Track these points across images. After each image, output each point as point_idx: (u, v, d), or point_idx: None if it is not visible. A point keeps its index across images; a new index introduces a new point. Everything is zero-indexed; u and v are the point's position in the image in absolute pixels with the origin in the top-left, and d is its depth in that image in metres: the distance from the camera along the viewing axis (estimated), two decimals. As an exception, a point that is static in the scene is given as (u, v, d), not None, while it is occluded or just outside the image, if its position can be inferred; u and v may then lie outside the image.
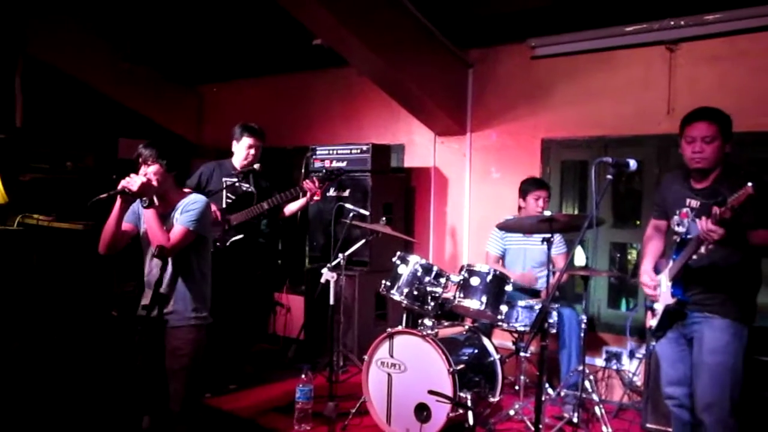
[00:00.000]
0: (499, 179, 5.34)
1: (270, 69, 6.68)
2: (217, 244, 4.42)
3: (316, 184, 4.45)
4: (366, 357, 3.90)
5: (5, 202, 5.87)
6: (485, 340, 4.09)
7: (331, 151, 5.47)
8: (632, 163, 2.93)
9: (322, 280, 4.18)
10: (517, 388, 4.16)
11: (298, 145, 6.31)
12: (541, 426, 2.96)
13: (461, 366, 3.68)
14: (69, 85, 6.42)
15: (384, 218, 4.83)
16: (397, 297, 4.04)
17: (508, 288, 3.99)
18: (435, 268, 4.07)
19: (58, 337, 5.33)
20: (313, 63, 6.15)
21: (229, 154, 4.70)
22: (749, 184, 2.50)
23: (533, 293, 4.48)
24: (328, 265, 4.22)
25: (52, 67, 6.27)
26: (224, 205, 4.52)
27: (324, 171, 4.73)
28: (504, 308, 4.00)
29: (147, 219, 2.94)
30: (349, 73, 5.85)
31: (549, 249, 3.77)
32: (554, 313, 4.04)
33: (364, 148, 5.29)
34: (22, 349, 5.06)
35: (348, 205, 4.91)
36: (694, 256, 2.93)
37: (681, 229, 3.07)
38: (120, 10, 6.09)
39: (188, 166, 3.41)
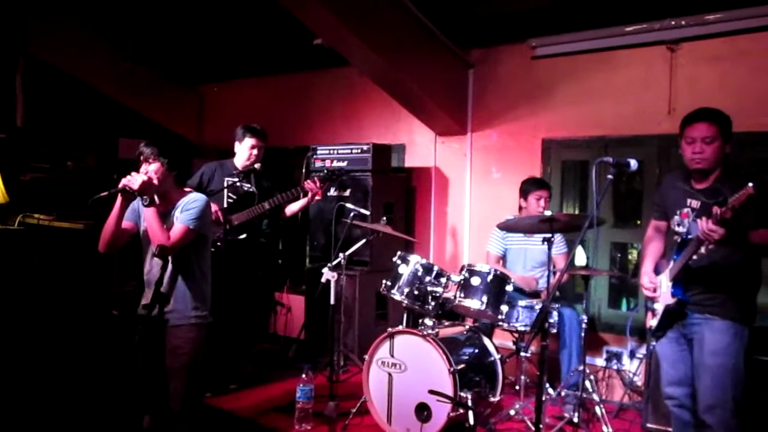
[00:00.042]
0: (499, 179, 5.34)
1: (271, 69, 6.68)
2: (218, 244, 4.43)
3: (318, 184, 4.45)
4: (366, 357, 3.91)
5: (6, 201, 5.87)
6: (486, 340, 4.09)
7: (331, 151, 5.47)
8: (633, 163, 2.93)
9: (323, 280, 4.19)
10: (517, 387, 4.16)
11: (298, 145, 6.31)
12: (541, 426, 2.96)
13: (462, 366, 3.68)
14: (70, 84, 6.42)
15: (384, 218, 4.83)
16: (397, 297, 4.04)
17: (509, 288, 3.99)
18: (435, 268, 4.07)
19: (59, 336, 5.33)
20: (314, 63, 6.15)
21: (230, 154, 4.71)
22: (750, 184, 2.51)
23: (533, 294, 4.48)
24: (329, 264, 4.23)
25: (52, 66, 6.27)
26: (225, 205, 4.53)
27: (325, 171, 4.73)
28: (504, 308, 4.01)
29: (147, 217, 2.95)
30: (349, 72, 5.85)
31: (549, 249, 3.77)
32: (555, 313, 4.04)
33: (365, 147, 5.29)
34: (23, 349, 5.06)
35: (349, 205, 4.91)
36: (695, 257, 2.93)
37: (681, 230, 3.07)
38: (121, 10, 6.09)
39: (189, 166, 3.41)
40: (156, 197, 2.95)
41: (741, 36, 4.20)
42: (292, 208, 4.70)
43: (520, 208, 4.61)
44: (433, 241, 5.72)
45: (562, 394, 4.16)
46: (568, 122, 4.98)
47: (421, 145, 5.84)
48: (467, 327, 4.23)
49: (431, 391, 3.42)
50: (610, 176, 2.93)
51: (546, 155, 5.12)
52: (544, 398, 3.32)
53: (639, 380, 4.40)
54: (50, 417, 4.08)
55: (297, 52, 6.07)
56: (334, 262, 4.26)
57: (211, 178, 4.56)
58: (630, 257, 5.20)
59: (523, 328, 4.04)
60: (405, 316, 4.21)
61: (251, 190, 4.59)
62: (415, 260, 4.07)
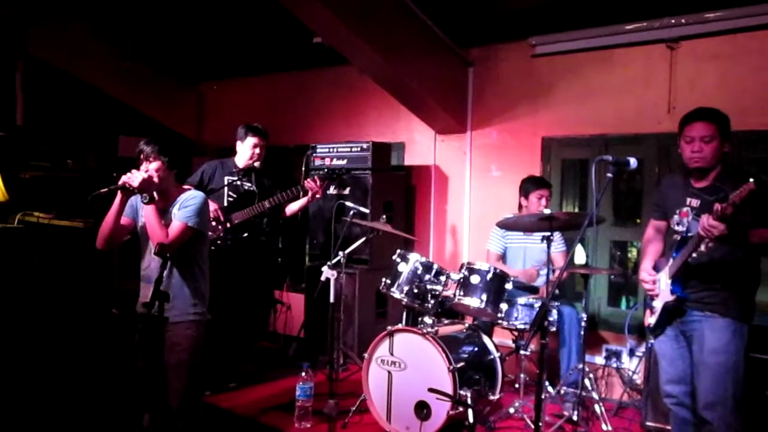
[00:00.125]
0: (499, 177, 5.34)
1: (270, 67, 6.68)
2: (219, 242, 4.43)
3: (318, 183, 4.45)
4: (366, 355, 3.91)
5: (6, 199, 5.87)
6: (485, 338, 4.09)
7: (331, 149, 5.47)
8: (632, 162, 2.93)
9: (323, 278, 4.18)
10: (517, 386, 4.16)
11: (298, 144, 6.32)
12: (541, 424, 2.96)
13: (461, 364, 3.68)
14: (69, 83, 6.43)
15: (384, 216, 4.84)
16: (397, 295, 4.04)
17: (509, 286, 3.99)
18: (435, 266, 4.07)
19: (59, 334, 5.33)
20: (314, 61, 6.15)
21: (230, 152, 4.71)
22: (750, 180, 2.52)
23: (533, 290, 4.49)
24: (329, 263, 4.22)
25: (52, 65, 6.27)
26: (226, 204, 4.53)
27: (325, 170, 4.73)
28: (504, 306, 4.01)
29: (146, 215, 2.95)
30: (349, 71, 5.84)
31: (549, 247, 3.77)
32: (554, 311, 4.04)
33: (365, 146, 5.29)
34: (23, 347, 5.06)
35: (348, 203, 4.91)
36: (694, 254, 2.94)
37: (681, 228, 3.07)
38: (120, 9, 6.09)
39: (189, 164, 3.43)
40: (155, 194, 2.95)
41: (741, 34, 4.20)
42: (292, 208, 4.70)
43: (520, 206, 4.61)
44: (432, 240, 5.72)
45: (562, 392, 4.16)
46: (567, 120, 4.98)
47: (420, 144, 5.84)
48: (467, 325, 4.24)
49: (431, 390, 3.42)
50: (609, 175, 2.92)
51: (546, 153, 5.12)
52: (543, 396, 3.32)
53: (638, 378, 4.41)
54: (51, 416, 4.08)
55: (297, 50, 6.07)
56: (334, 261, 4.25)
57: (211, 177, 4.57)
58: (629, 255, 5.21)
59: (522, 327, 4.05)
60: (404, 314, 4.21)
61: (251, 188, 4.59)
62: (414, 258, 4.07)
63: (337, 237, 4.71)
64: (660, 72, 4.53)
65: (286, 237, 6.36)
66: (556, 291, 3.92)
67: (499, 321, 4.08)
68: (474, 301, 3.91)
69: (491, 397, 3.94)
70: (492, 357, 4.01)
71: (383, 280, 4.13)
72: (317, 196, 4.52)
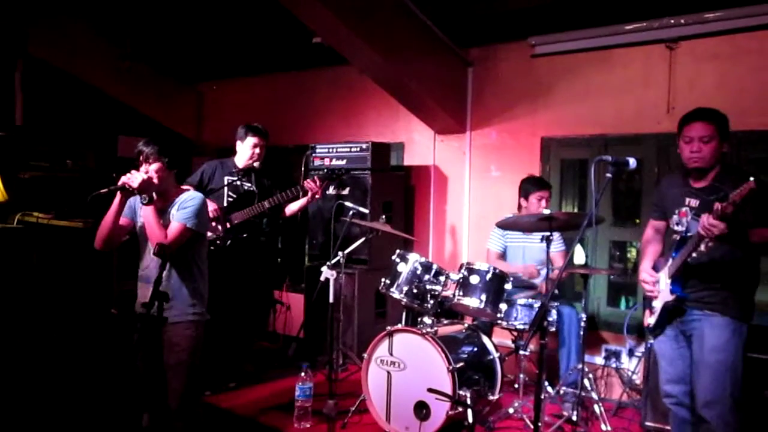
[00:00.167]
0: (498, 177, 5.34)
1: (270, 67, 6.68)
2: (218, 242, 4.43)
3: (317, 183, 4.45)
4: (365, 355, 3.91)
5: (5, 199, 5.87)
6: (485, 339, 4.09)
7: (330, 150, 5.46)
8: (632, 162, 2.93)
9: (322, 278, 4.18)
10: (516, 386, 4.16)
11: (298, 144, 6.31)
12: (540, 424, 2.96)
13: (461, 364, 3.68)
14: (69, 83, 6.42)
15: (383, 216, 4.84)
16: (396, 295, 4.04)
17: (508, 286, 3.99)
18: (434, 267, 4.07)
19: (58, 335, 5.33)
20: (313, 61, 6.15)
21: (229, 152, 4.71)
22: (751, 179, 2.52)
23: (532, 286, 4.49)
24: (328, 263, 4.22)
25: (51, 65, 6.27)
26: (225, 204, 4.53)
27: (325, 170, 4.73)
28: (503, 306, 4.01)
29: (145, 216, 2.95)
30: (348, 71, 5.84)
31: (548, 247, 3.77)
32: (553, 312, 4.04)
33: (364, 146, 5.29)
34: (22, 347, 5.06)
35: (348, 204, 4.90)
36: (694, 254, 2.94)
37: (680, 228, 3.08)
38: (120, 9, 6.09)
39: (188, 164, 3.43)
40: (154, 195, 2.95)
41: (740, 34, 4.20)
42: (291, 208, 4.71)
43: (520, 206, 4.61)
44: (432, 240, 5.72)
45: (561, 392, 4.16)
46: (567, 121, 4.98)
47: (420, 144, 5.84)
48: (466, 325, 4.24)
49: (430, 390, 3.42)
50: (608, 175, 2.93)
51: (545, 154, 5.12)
52: (543, 396, 3.33)
53: (638, 378, 4.41)
54: (50, 416, 4.08)
55: (296, 50, 6.07)
56: (333, 261, 4.25)
57: (211, 177, 4.57)
58: (629, 255, 5.21)
59: (522, 327, 4.05)
60: (404, 314, 4.21)
61: (251, 189, 4.59)
62: (414, 259, 4.07)
63: (336, 237, 4.71)
64: (659, 72, 4.53)
65: (286, 237, 6.36)
66: (556, 291, 3.92)
67: (499, 321, 4.08)
68: (473, 302, 3.91)
69: (490, 398, 3.94)
70: (491, 357, 4.01)
71: (383, 280, 4.13)
72: (317, 196, 4.52)
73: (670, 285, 3.02)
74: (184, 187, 3.21)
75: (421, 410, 3.62)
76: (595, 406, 4.04)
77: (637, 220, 4.86)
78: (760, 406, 3.49)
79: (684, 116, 3.06)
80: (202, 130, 7.61)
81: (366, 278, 5.09)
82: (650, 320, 3.16)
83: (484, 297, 3.89)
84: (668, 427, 3.52)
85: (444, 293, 4.04)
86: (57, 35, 6.28)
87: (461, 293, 3.96)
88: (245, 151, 4.59)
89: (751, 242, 2.85)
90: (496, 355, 4.00)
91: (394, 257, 4.15)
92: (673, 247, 3.08)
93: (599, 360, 4.68)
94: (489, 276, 3.93)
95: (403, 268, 4.05)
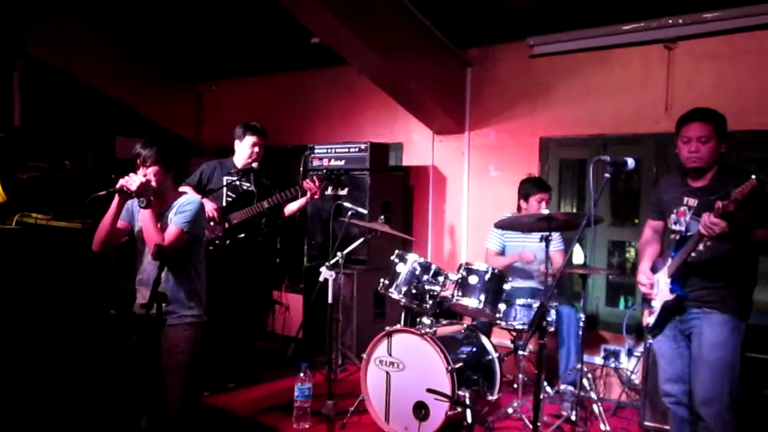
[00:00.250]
0: (497, 178, 5.34)
1: (268, 67, 6.67)
2: (217, 242, 4.43)
3: (316, 183, 4.45)
4: (364, 355, 3.91)
5: (4, 200, 5.87)
6: (483, 339, 4.09)
7: (329, 150, 5.46)
8: (630, 162, 2.93)
9: (321, 279, 4.18)
10: (515, 386, 4.16)
11: (296, 144, 6.31)
12: (539, 424, 2.96)
13: (460, 364, 3.68)
14: (67, 83, 6.42)
15: (382, 217, 4.84)
16: (395, 295, 4.04)
17: (507, 286, 4.00)
18: (433, 267, 4.07)
19: (57, 336, 5.33)
20: (312, 61, 6.15)
21: (228, 152, 4.71)
22: (753, 176, 2.53)
23: (529, 275, 4.51)
24: (327, 263, 4.22)
25: (50, 65, 6.26)
26: (224, 204, 4.53)
27: (324, 170, 4.73)
28: (502, 306, 4.01)
29: (143, 219, 2.95)
30: (347, 71, 5.84)
31: (547, 247, 3.77)
32: (552, 312, 4.04)
33: (363, 146, 5.29)
34: (21, 348, 5.05)
35: (346, 204, 4.90)
36: (693, 253, 2.94)
37: (679, 228, 3.08)
38: (119, 9, 6.08)
39: (187, 165, 3.44)
40: (152, 198, 2.95)
41: (739, 34, 4.20)
42: (290, 208, 4.71)
43: (519, 208, 4.60)
44: (431, 240, 5.72)
45: (561, 390, 4.16)
46: (565, 121, 4.99)
47: (418, 144, 5.84)
48: (465, 326, 4.23)
49: (429, 390, 3.42)
50: (607, 175, 2.93)
51: (544, 154, 5.12)
52: (542, 396, 3.33)
53: (636, 378, 4.41)
54: (49, 416, 4.08)
55: (295, 50, 6.07)
56: (332, 261, 4.25)
57: (210, 177, 4.57)
58: (628, 255, 5.21)
59: (520, 327, 4.05)
60: (403, 314, 4.21)
61: (250, 189, 4.59)
62: (412, 259, 4.07)
63: (335, 237, 4.71)
64: (658, 72, 4.53)
65: (285, 237, 6.35)
66: (554, 290, 3.91)
67: (498, 321, 4.08)
68: (472, 302, 3.91)
69: (490, 398, 3.94)
70: (490, 357, 4.01)
71: (381, 280, 4.13)
72: (316, 196, 4.52)
73: (669, 284, 3.02)
74: (182, 189, 3.21)
75: (420, 410, 3.62)
76: (594, 406, 4.04)
77: (636, 220, 4.86)
78: (758, 405, 3.50)
79: (682, 116, 3.07)
80: (200, 131, 7.61)
81: (365, 278, 5.09)
82: (649, 320, 3.16)
83: (482, 297, 3.90)
84: (667, 427, 3.52)
85: (443, 293, 4.04)
86: (55, 35, 6.28)
87: (460, 293, 3.96)
88: (244, 150, 4.59)
89: (751, 241, 2.86)
90: (495, 355, 4.00)
91: (392, 257, 4.15)
92: (672, 247, 3.08)
93: (598, 360, 4.68)
94: (488, 276, 3.93)
95: (402, 269, 4.05)
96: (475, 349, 4.03)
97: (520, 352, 4.10)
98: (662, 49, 4.50)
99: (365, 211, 4.88)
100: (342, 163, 5.32)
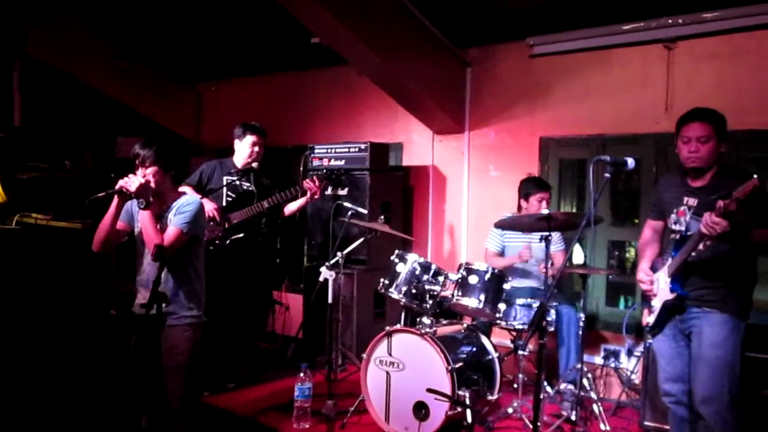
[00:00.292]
0: (497, 177, 5.34)
1: (268, 67, 6.67)
2: (217, 242, 4.43)
3: (316, 183, 4.45)
4: (365, 355, 3.91)
5: (4, 201, 5.87)
6: (483, 339, 4.09)
7: (329, 150, 5.47)
8: (630, 162, 2.93)
9: (321, 279, 4.18)
10: (515, 386, 4.16)
11: (296, 144, 6.31)
12: (539, 424, 2.96)
13: (460, 364, 3.68)
14: (67, 83, 6.42)
15: (382, 217, 4.84)
16: (395, 295, 4.04)
17: (507, 286, 4.00)
18: (433, 267, 4.07)
19: (57, 336, 5.33)
20: (312, 61, 6.15)
21: (228, 152, 4.71)
22: (755, 176, 2.53)
23: (526, 273, 4.52)
24: (327, 263, 4.22)
25: (50, 65, 6.26)
26: (224, 204, 4.53)
27: (324, 170, 4.73)
28: (502, 306, 4.02)
29: (142, 220, 2.96)
30: (347, 71, 5.84)
31: (547, 247, 3.77)
32: (552, 311, 4.04)
33: (363, 146, 5.29)
34: (21, 348, 5.05)
35: (346, 204, 4.90)
36: (693, 253, 2.95)
37: (679, 227, 3.08)
38: (119, 9, 6.08)
39: (187, 165, 3.44)
40: (151, 199, 2.95)
41: (738, 34, 4.20)
42: (290, 208, 4.71)
43: (520, 207, 4.61)
44: (430, 240, 5.72)
45: (561, 390, 4.16)
46: (565, 120, 4.99)
47: (418, 144, 5.84)
48: (465, 325, 4.23)
49: (429, 390, 3.42)
50: (607, 175, 2.93)
51: (544, 154, 5.13)
52: (542, 396, 3.33)
53: (636, 378, 4.41)
54: (49, 417, 4.08)
55: (295, 51, 6.07)
56: (332, 261, 4.25)
57: (210, 177, 4.58)
58: (628, 255, 5.21)
59: (520, 327, 4.05)
60: (403, 314, 4.21)
61: (250, 188, 4.59)
62: (412, 259, 4.07)
63: (335, 237, 4.71)
64: (657, 72, 4.53)
65: (285, 237, 6.36)
66: (554, 290, 3.91)
67: (498, 321, 4.08)
68: (472, 302, 3.91)
69: (490, 398, 3.94)
70: (490, 357, 4.01)
71: (381, 280, 4.13)
72: (315, 196, 4.52)
73: (669, 284, 3.03)
74: (182, 189, 3.21)
75: (420, 410, 3.62)
76: (594, 406, 4.04)
77: (636, 220, 4.86)
78: (758, 404, 3.50)
79: (682, 116, 3.07)
80: (200, 131, 7.61)
81: (365, 278, 5.09)
82: (649, 319, 3.16)
83: (482, 297, 3.90)
84: (667, 427, 3.52)
85: (443, 293, 4.05)
86: (55, 35, 6.27)
87: (460, 293, 3.96)
88: (244, 149, 4.59)
89: (750, 241, 2.86)
90: (495, 355, 4.00)
91: (392, 257, 4.15)
92: (671, 247, 3.08)
93: (598, 360, 4.68)
94: (488, 276, 3.93)
95: (402, 269, 4.05)
96: (475, 349, 4.03)
97: (520, 352, 4.10)
98: (662, 49, 4.51)
99: (365, 211, 4.88)
100: (342, 163, 5.32)
